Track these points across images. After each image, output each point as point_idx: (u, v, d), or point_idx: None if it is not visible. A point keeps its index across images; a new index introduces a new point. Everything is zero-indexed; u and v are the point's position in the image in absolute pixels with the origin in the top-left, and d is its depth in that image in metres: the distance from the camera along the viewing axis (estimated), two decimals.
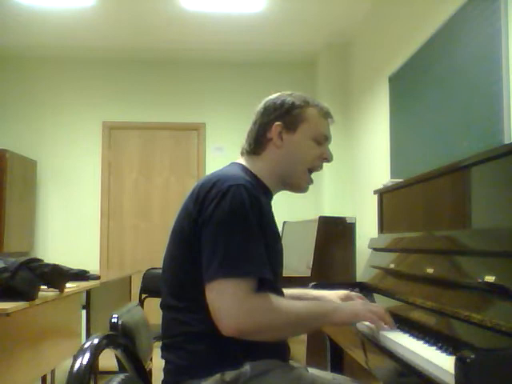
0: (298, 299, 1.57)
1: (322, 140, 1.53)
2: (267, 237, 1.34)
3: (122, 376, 1.12)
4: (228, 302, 1.24)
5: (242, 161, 1.52)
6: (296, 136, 1.48)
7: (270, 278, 1.31)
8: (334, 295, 1.65)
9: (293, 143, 1.48)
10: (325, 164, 1.56)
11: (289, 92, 1.53)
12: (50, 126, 5.52)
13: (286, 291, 1.54)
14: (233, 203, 1.28)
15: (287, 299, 1.46)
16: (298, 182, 1.53)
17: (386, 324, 1.45)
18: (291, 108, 1.48)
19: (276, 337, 1.37)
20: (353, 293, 1.70)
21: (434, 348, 1.26)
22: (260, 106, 1.53)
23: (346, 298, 1.63)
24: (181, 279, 1.36)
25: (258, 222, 1.31)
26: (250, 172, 1.47)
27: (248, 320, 1.25)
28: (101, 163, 5.55)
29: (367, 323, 1.54)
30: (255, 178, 1.46)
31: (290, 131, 1.48)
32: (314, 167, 1.53)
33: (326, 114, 1.54)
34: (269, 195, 1.50)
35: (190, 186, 1.45)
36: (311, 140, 1.50)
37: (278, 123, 1.47)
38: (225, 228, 1.27)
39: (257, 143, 1.50)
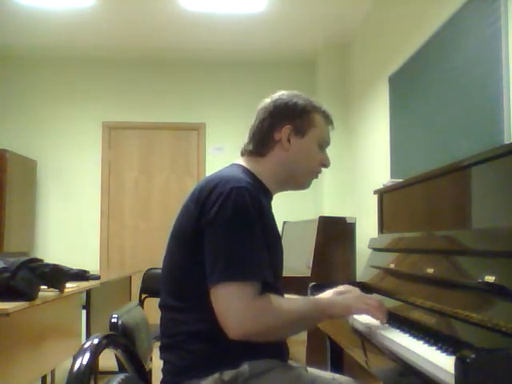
0: None
1: (324, 146, 1.55)
2: (268, 238, 1.35)
3: (122, 376, 1.12)
4: (235, 306, 1.24)
5: (242, 161, 1.51)
6: (304, 140, 1.49)
7: (271, 281, 1.32)
8: (331, 293, 1.64)
9: (300, 147, 1.48)
10: None
11: (297, 92, 1.53)
12: (49, 126, 5.52)
13: None
14: (235, 206, 1.28)
15: (286, 299, 1.46)
16: (302, 182, 1.55)
17: (379, 315, 1.44)
18: (302, 112, 1.48)
19: (279, 336, 1.38)
20: (351, 287, 1.69)
21: (434, 348, 1.26)
22: (268, 103, 1.50)
23: (345, 292, 1.61)
24: (181, 279, 1.36)
25: (260, 224, 1.32)
26: (251, 173, 1.46)
27: (254, 323, 1.26)
28: (101, 163, 5.55)
29: (364, 322, 1.55)
30: (256, 180, 1.46)
31: (298, 135, 1.48)
32: (316, 172, 1.55)
33: (330, 121, 1.55)
34: (269, 197, 1.50)
35: (190, 185, 1.45)
36: (316, 145, 1.51)
37: (287, 126, 1.47)
38: (228, 231, 1.27)
39: (263, 144, 1.48)
